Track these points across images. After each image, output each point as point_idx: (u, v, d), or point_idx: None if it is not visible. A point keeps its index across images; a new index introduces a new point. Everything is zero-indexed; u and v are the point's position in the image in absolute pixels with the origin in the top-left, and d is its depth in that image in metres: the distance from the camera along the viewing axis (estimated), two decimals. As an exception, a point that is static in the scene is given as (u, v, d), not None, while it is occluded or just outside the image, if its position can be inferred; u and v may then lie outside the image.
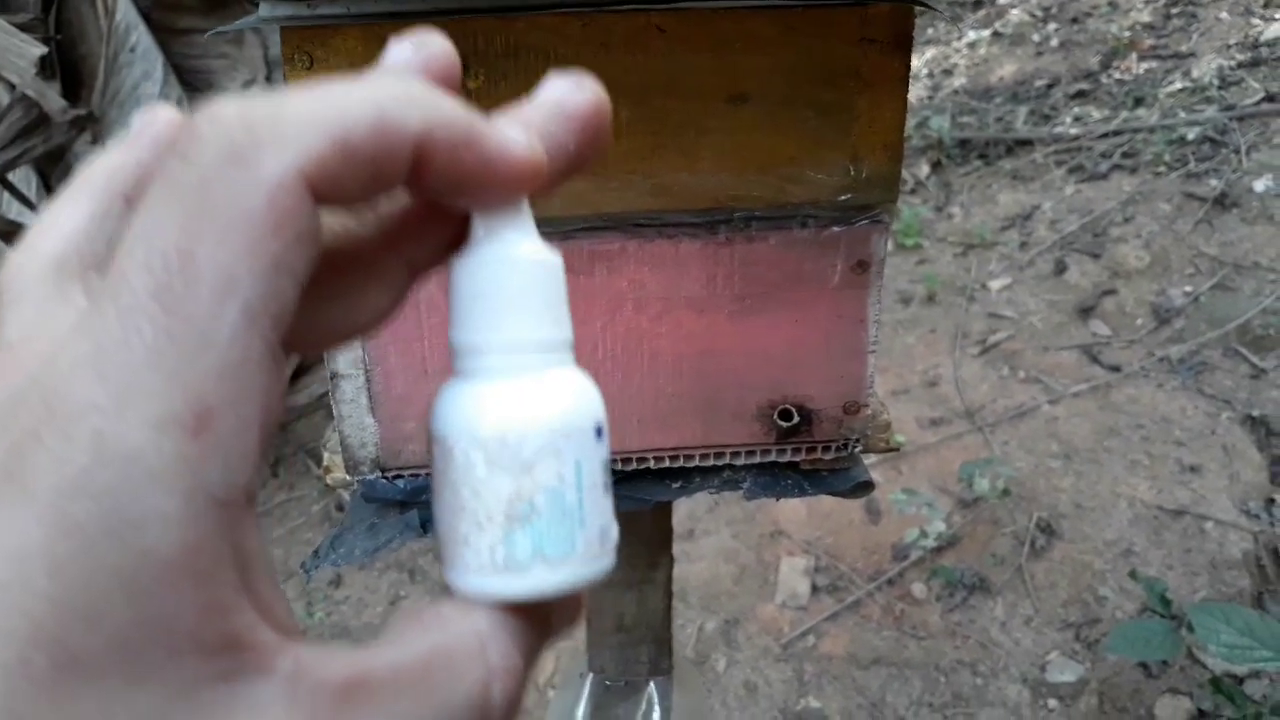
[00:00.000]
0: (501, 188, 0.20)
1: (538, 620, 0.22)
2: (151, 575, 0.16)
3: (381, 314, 0.22)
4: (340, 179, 0.18)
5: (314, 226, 0.18)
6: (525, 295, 0.22)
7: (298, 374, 2.45)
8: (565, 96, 0.22)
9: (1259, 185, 2.63)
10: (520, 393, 0.21)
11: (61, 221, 0.21)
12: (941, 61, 4.21)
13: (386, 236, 0.22)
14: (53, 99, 1.81)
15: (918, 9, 0.50)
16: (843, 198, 0.53)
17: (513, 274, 0.22)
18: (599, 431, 0.22)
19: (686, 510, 2.00)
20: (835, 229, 0.54)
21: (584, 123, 0.22)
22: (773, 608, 1.78)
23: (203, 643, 0.16)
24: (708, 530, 1.97)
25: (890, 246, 3.02)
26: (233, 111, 0.17)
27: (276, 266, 0.17)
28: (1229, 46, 3.36)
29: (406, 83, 0.19)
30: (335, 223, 0.21)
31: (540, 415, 0.21)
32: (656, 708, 0.83)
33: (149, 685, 0.16)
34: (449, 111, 0.19)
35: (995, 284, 2.69)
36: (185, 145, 0.17)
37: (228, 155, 0.17)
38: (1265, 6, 3.48)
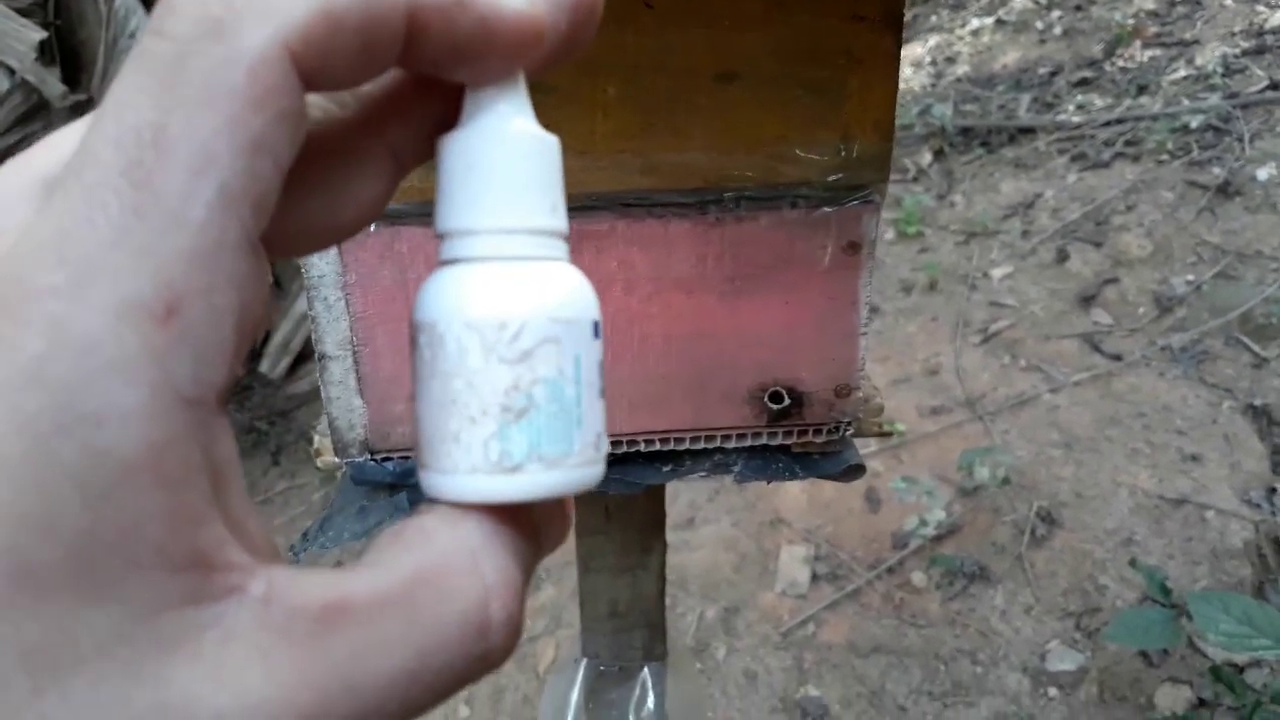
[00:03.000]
0: (499, 52, 0.19)
1: (529, 531, 0.20)
2: (109, 477, 0.14)
3: (365, 209, 0.21)
4: (328, 54, 0.16)
5: (298, 106, 0.16)
6: (520, 174, 0.20)
7: (299, 361, 2.44)
8: None
9: (1262, 174, 2.62)
10: (519, 276, 0.19)
11: (62, 141, 0.19)
12: (944, 49, 4.19)
13: (368, 119, 0.20)
14: (52, 84, 1.81)
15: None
16: (833, 177, 0.53)
17: (507, 150, 0.20)
18: (596, 329, 0.20)
19: (687, 499, 2.00)
20: (826, 209, 0.53)
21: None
22: (773, 596, 1.78)
23: (168, 556, 0.15)
24: (708, 518, 1.97)
25: (892, 235, 3.02)
26: None
27: (256, 146, 0.16)
28: (1233, 34, 3.35)
29: None
30: (312, 105, 0.19)
31: (541, 301, 0.19)
32: (651, 693, 0.83)
33: (108, 603, 0.14)
34: None
35: (997, 272, 2.68)
36: (160, 19, 0.16)
37: (205, 28, 0.15)
38: (1271, -6, 3.46)
